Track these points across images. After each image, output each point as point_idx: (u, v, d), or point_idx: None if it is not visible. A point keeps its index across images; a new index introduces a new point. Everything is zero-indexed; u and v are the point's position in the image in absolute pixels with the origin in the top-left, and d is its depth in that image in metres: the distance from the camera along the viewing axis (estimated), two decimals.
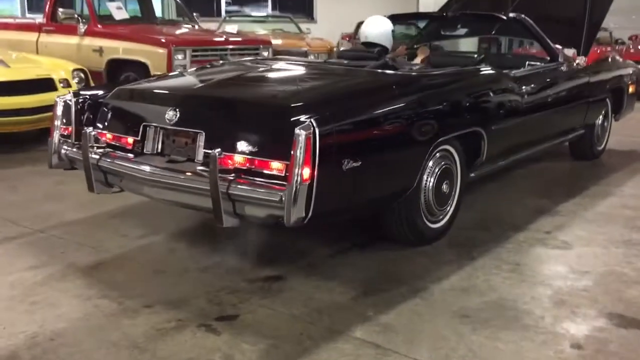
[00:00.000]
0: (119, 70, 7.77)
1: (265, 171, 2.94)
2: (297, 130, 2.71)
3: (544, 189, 5.00)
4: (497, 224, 4.11)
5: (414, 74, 3.69)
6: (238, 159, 3.00)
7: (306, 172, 2.71)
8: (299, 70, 4.09)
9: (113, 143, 3.56)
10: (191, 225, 4.06)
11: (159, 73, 7.17)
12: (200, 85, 3.64)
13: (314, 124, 2.73)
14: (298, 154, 2.70)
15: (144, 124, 3.42)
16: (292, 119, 2.88)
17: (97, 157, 3.46)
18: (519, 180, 5.28)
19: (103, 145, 3.56)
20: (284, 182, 2.82)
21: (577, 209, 4.46)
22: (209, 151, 3.06)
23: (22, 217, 4.21)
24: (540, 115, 4.52)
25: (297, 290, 3.11)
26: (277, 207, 2.82)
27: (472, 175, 3.99)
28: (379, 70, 3.82)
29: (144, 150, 3.41)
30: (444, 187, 3.66)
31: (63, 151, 3.72)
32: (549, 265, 3.48)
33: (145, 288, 3.15)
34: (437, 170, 3.58)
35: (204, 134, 3.15)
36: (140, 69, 7.53)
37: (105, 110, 3.70)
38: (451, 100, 3.62)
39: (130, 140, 3.47)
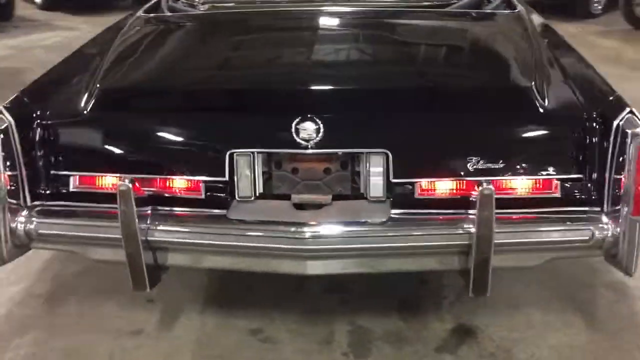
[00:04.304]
0: None
1: (520, 195, 1.94)
2: (635, 130, 1.79)
3: None
4: None
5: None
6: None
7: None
8: (425, 27, 2.74)
9: (153, 192, 1.94)
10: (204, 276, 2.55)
11: None
12: (347, 65, 2.29)
13: None
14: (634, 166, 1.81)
15: (230, 151, 1.90)
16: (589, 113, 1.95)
17: (145, 227, 1.85)
18: None
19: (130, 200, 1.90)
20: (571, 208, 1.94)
21: None
22: (415, 180, 1.87)
23: None
24: None
25: (521, 346, 2.19)
26: (578, 248, 1.88)
27: None
28: (501, 12, 2.73)
29: (237, 196, 1.93)
30: None
31: (20, 226, 1.91)
32: None
33: None
34: None
35: (389, 154, 1.87)
36: None
37: (101, 133, 2.00)
38: None
39: (201, 182, 1.93)
